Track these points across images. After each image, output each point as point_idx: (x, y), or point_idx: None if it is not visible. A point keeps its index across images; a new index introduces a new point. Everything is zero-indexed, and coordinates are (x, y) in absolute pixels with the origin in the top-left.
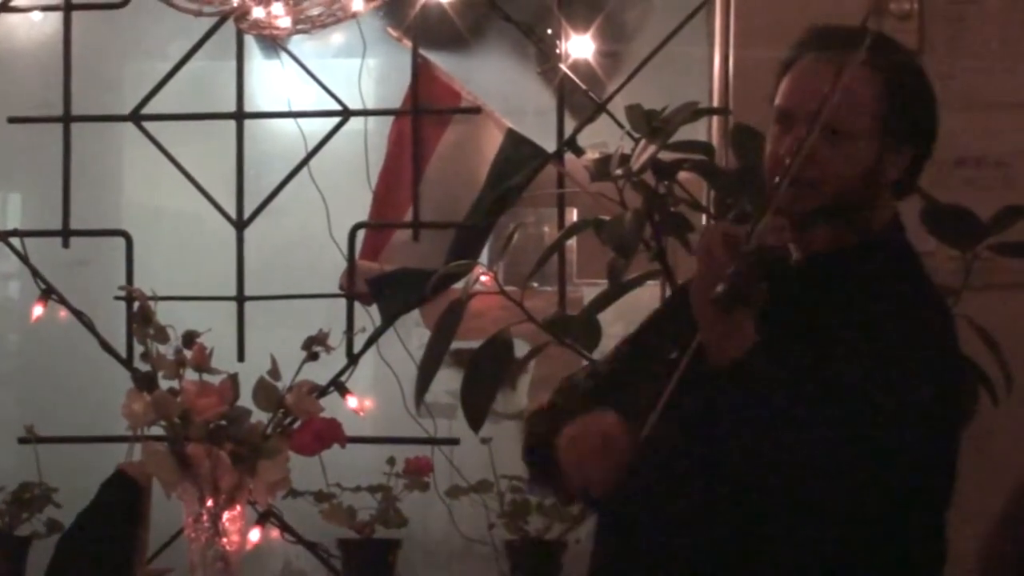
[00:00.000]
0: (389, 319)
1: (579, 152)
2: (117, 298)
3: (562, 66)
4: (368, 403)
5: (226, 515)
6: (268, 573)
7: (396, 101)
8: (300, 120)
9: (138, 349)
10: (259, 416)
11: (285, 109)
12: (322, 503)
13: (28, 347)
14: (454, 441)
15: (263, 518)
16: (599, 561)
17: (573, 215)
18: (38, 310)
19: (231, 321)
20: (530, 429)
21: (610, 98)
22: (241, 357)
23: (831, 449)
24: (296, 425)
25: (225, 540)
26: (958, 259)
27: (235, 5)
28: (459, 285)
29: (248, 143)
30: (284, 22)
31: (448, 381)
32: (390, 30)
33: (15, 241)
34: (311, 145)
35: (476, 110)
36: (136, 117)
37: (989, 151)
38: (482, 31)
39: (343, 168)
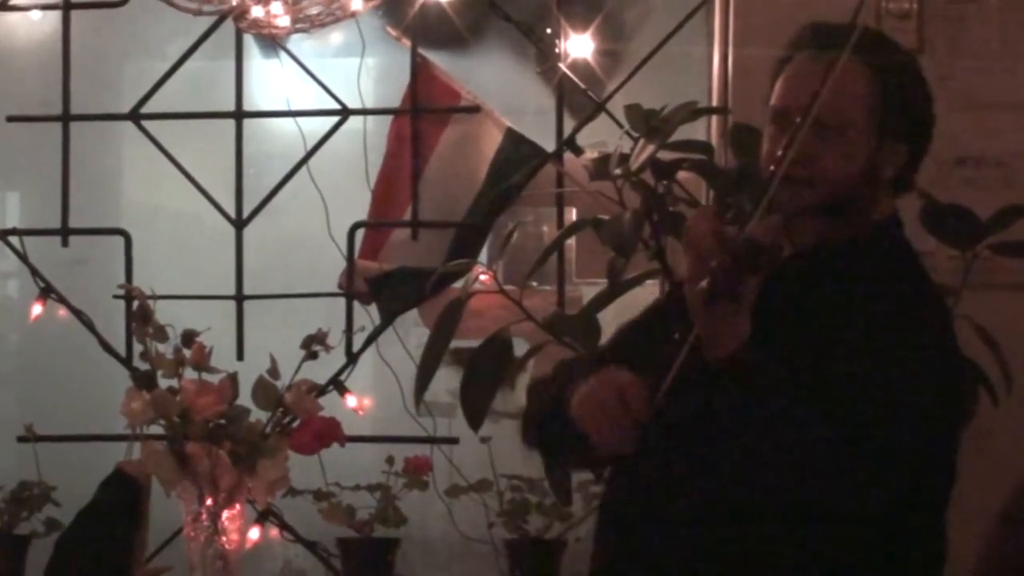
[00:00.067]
0: (388, 318)
1: (578, 151)
2: (116, 297)
3: (561, 65)
4: (367, 402)
5: (225, 514)
6: (267, 572)
7: (395, 100)
8: (299, 119)
9: (137, 348)
10: (258, 415)
11: (284, 108)
12: (321, 502)
13: (27, 346)
14: (453, 440)
15: (262, 517)
16: (600, 561)
17: (572, 214)
18: (37, 309)
19: (230, 320)
20: (534, 401)
21: (609, 97)
22: (240, 356)
23: (829, 448)
24: (295, 424)
25: (224, 539)
26: (958, 259)
27: (234, 4)
28: (458, 284)
29: (247, 142)
30: (283, 21)
31: (447, 380)
32: (389, 29)
33: (14, 240)
34: (310, 144)
35: (475, 109)
36: (135, 116)
37: (989, 151)
38: (481, 30)
39: (342, 167)
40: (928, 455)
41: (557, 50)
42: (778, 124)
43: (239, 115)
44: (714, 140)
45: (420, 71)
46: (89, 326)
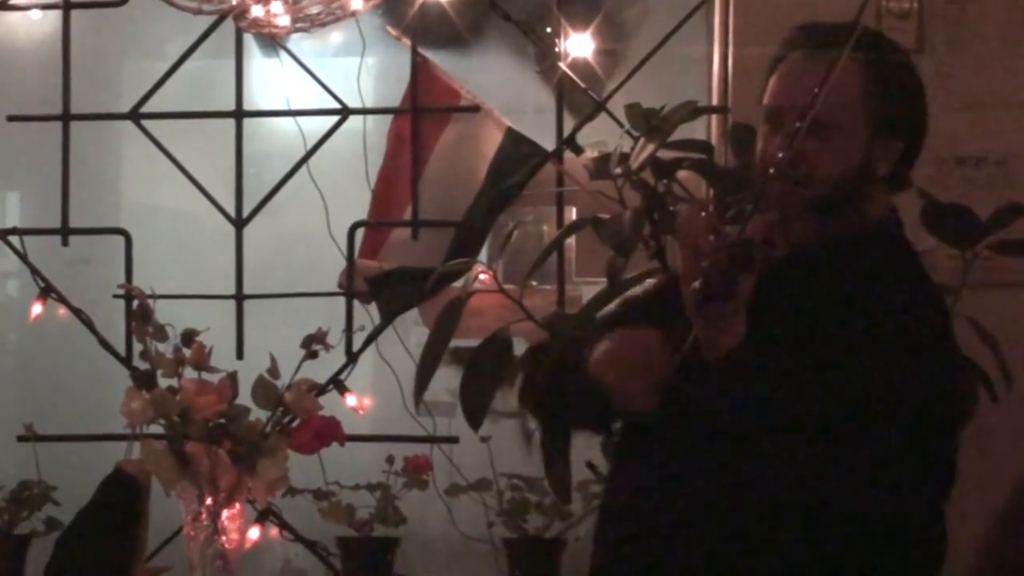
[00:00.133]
0: (388, 317)
1: (578, 151)
2: (116, 296)
3: (561, 65)
4: (367, 401)
5: (225, 513)
6: (267, 571)
7: (395, 100)
8: (299, 119)
9: (137, 347)
10: (258, 414)
11: (284, 108)
12: (321, 501)
13: (27, 345)
14: (453, 439)
15: (262, 516)
16: (600, 560)
17: (572, 214)
18: (37, 308)
19: (230, 319)
20: (536, 357)
21: (609, 97)
22: (240, 355)
23: (828, 447)
24: (295, 423)
25: (224, 538)
26: (957, 258)
27: (234, 3)
28: (458, 283)
29: (247, 142)
30: (283, 20)
31: (447, 379)
32: (389, 29)
33: (14, 239)
34: (310, 144)
35: (475, 109)
36: (135, 115)
37: (989, 150)
38: (481, 30)
39: (342, 167)
40: (927, 454)
41: (557, 49)
42: (771, 123)
43: (239, 114)
44: (714, 139)
45: (420, 70)
46: (89, 325)
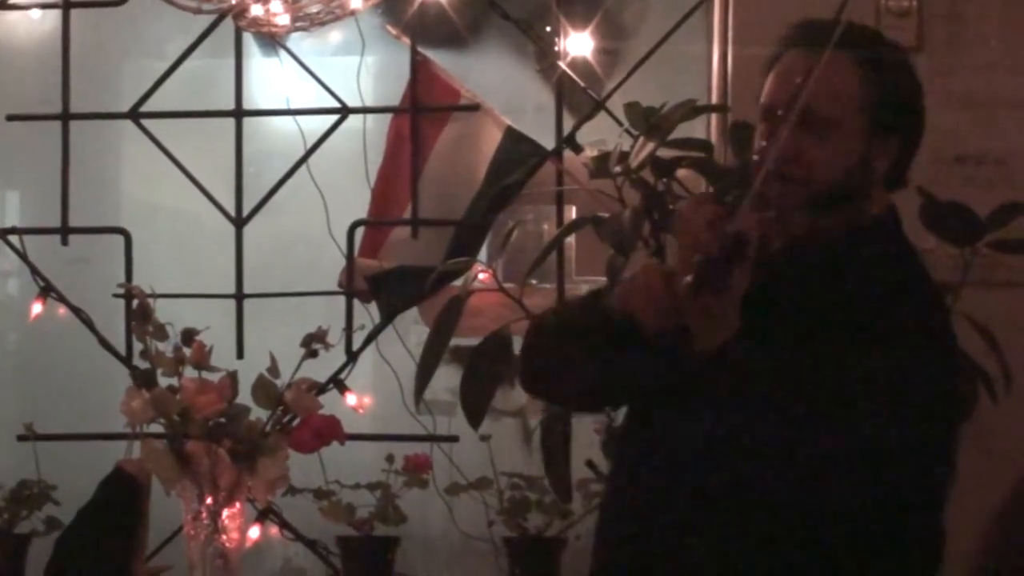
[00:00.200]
0: (388, 316)
1: (578, 149)
2: (116, 296)
3: (561, 63)
4: (367, 400)
5: (225, 512)
6: (267, 570)
7: (395, 99)
8: (299, 118)
9: (137, 346)
10: (258, 413)
11: (284, 107)
12: (321, 500)
13: (27, 345)
14: (453, 438)
15: (262, 515)
16: (602, 559)
17: (572, 212)
18: (37, 308)
19: (230, 318)
20: (538, 327)
21: (609, 95)
22: (240, 354)
23: (824, 445)
24: (295, 422)
25: (224, 537)
26: (957, 256)
27: (233, 3)
28: (458, 282)
29: (247, 141)
30: (283, 20)
31: (447, 378)
32: (389, 28)
33: (14, 239)
34: (310, 143)
35: (475, 107)
36: (135, 115)
37: (988, 149)
38: (481, 29)
39: (342, 166)
40: (926, 453)
41: (556, 48)
42: (768, 120)
43: (239, 114)
44: (713, 138)
45: (420, 69)
46: (89, 325)
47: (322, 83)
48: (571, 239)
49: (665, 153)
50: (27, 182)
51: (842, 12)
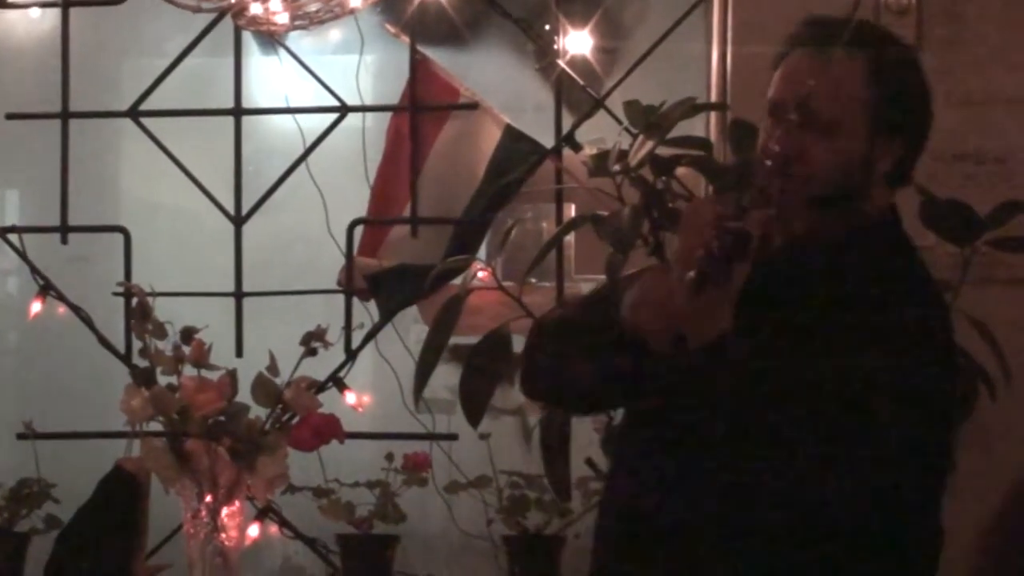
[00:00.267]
0: (387, 315)
1: (577, 148)
2: (115, 294)
3: (560, 62)
4: (366, 399)
5: (225, 511)
6: (267, 569)
7: (394, 97)
8: (298, 116)
9: (136, 345)
10: (257, 412)
11: (283, 105)
12: (321, 499)
13: (27, 343)
14: (452, 437)
15: (262, 514)
16: (601, 557)
17: (571, 211)
18: (36, 306)
19: (229, 317)
20: (542, 328)
21: (608, 94)
22: (239, 353)
23: (821, 442)
24: (294, 421)
25: (224, 536)
26: (956, 254)
27: (233, 1)
28: (457, 281)
29: (246, 139)
30: (282, 18)
31: (446, 377)
32: (388, 26)
33: (13, 237)
34: (309, 141)
35: (474, 106)
36: (134, 113)
37: (988, 147)
38: (480, 27)
39: (341, 164)
40: (925, 452)
41: (556, 47)
42: (774, 116)
43: (238, 112)
44: (713, 136)
45: (419, 68)
46: (88, 323)
47: (321, 82)
48: (570, 237)
49: (664, 151)
50: (26, 181)
51: (855, 10)
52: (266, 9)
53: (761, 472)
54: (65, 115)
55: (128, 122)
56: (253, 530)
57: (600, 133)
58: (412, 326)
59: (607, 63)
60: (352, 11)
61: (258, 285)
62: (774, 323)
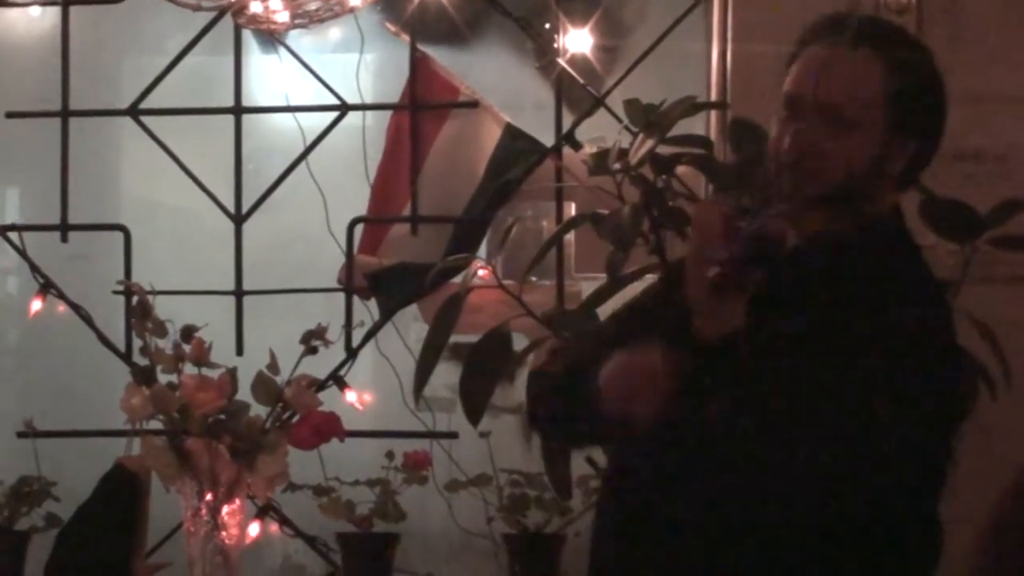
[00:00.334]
0: (388, 313)
1: (577, 146)
2: (116, 292)
3: (560, 60)
4: (367, 397)
5: (225, 509)
6: (267, 567)
7: (394, 96)
8: (298, 115)
9: (137, 343)
10: (258, 410)
11: (283, 104)
12: (321, 497)
13: (27, 342)
14: (453, 435)
15: (262, 512)
16: (599, 557)
17: (571, 209)
18: (36, 304)
19: (230, 315)
20: (537, 385)
21: (608, 92)
22: (240, 351)
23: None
24: (295, 419)
25: (224, 534)
26: (957, 253)
27: (233, 0)
28: (457, 279)
29: (246, 138)
30: (282, 17)
31: (447, 375)
32: (388, 25)
33: (14, 236)
34: (309, 140)
35: (474, 104)
36: (134, 112)
37: (988, 145)
38: (480, 26)
39: (341, 163)
40: (927, 451)
41: (556, 45)
42: (791, 111)
43: (238, 111)
44: (713, 135)
45: (419, 66)
46: (88, 322)
47: (321, 80)
48: (570, 236)
49: (664, 150)
50: (27, 179)
51: (878, 8)
52: (266, 7)
53: (761, 471)
54: (65, 113)
55: (128, 120)
56: (253, 528)
57: (600, 131)
58: (412, 324)
59: (607, 61)
60: (352, 9)
61: (258, 283)
62: (779, 323)
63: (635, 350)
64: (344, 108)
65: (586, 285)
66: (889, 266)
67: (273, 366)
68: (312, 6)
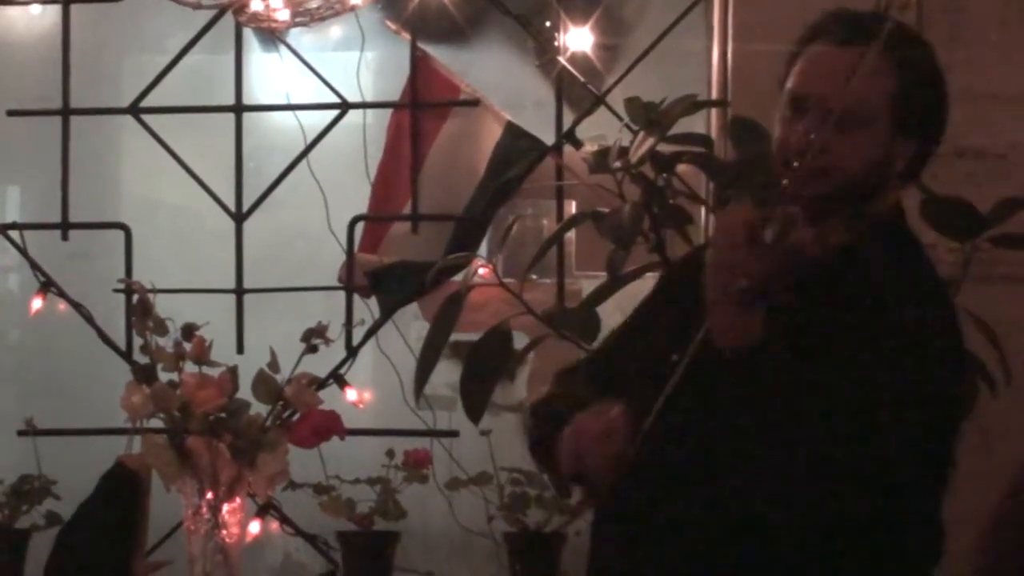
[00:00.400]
0: (388, 311)
1: (578, 144)
2: (116, 291)
3: (560, 59)
4: (367, 395)
5: (226, 507)
6: (267, 565)
7: (395, 94)
8: (299, 113)
9: (137, 342)
10: (258, 408)
11: (284, 102)
12: (321, 495)
13: (27, 340)
14: (453, 433)
15: (263, 510)
16: (599, 556)
17: (572, 207)
18: (37, 303)
19: (230, 313)
20: (535, 423)
21: (609, 91)
22: (240, 349)
23: (827, 441)
24: (295, 417)
25: (225, 532)
26: (957, 251)
27: None
28: (458, 277)
29: (247, 136)
30: (283, 15)
31: (447, 373)
32: (388, 23)
33: (14, 234)
34: (310, 138)
35: (475, 103)
36: (135, 110)
37: (989, 143)
38: (481, 24)
39: (342, 161)
40: (929, 451)
41: (556, 43)
42: (795, 110)
43: (239, 109)
44: (713, 133)
45: (419, 65)
46: (89, 320)
47: (322, 78)
48: (571, 234)
49: (665, 148)
50: (27, 177)
51: (887, 8)
52: (267, 6)
53: (763, 470)
54: (66, 112)
55: (129, 119)
56: (254, 527)
57: (601, 130)
58: (413, 323)
59: (608, 60)
60: (353, 8)
61: (259, 282)
62: (785, 321)
63: (592, 412)
64: (345, 106)
65: (587, 283)
66: (893, 264)
67: (273, 364)
68: (313, 4)
